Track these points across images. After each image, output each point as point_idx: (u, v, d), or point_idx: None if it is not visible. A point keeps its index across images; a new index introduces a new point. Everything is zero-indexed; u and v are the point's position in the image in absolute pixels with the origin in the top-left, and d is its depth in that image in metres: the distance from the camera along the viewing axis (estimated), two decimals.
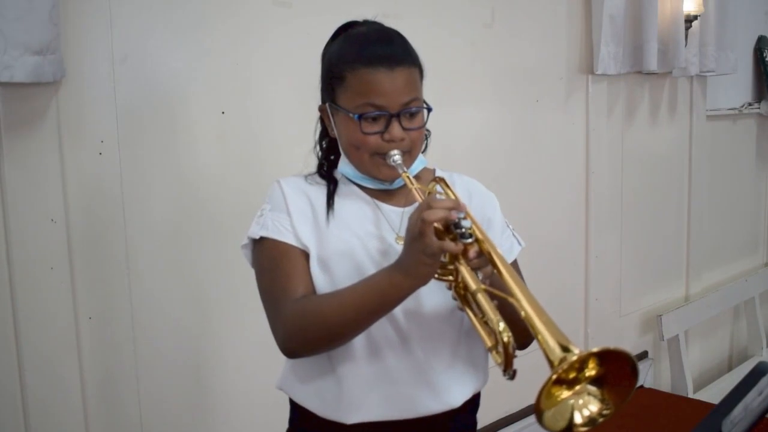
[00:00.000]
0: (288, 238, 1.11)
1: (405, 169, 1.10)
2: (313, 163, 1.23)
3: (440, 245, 0.94)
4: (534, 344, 0.91)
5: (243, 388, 1.83)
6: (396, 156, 1.09)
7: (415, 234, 0.95)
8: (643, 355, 3.13)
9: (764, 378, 1.00)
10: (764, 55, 3.62)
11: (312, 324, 1.05)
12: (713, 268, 3.53)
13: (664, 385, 3.21)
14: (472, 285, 0.94)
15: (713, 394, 3.17)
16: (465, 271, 0.95)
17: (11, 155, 1.45)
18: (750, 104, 3.66)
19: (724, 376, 3.50)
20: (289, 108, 1.84)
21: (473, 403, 1.21)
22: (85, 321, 1.57)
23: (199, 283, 1.75)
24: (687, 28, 2.89)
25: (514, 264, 1.22)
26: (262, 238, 1.12)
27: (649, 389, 3.03)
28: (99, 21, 1.56)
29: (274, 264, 1.11)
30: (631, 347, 3.08)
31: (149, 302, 1.67)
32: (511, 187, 2.43)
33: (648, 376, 3.11)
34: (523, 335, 0.92)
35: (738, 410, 0.96)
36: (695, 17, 2.91)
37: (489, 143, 2.39)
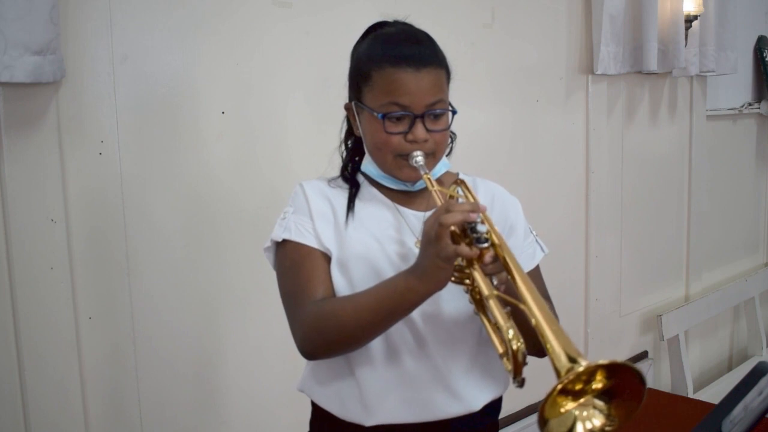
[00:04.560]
0: (310, 241, 1.11)
1: (426, 171, 1.09)
2: (337, 162, 1.23)
3: (455, 249, 0.93)
4: None
5: (243, 388, 1.83)
6: (419, 157, 1.09)
7: (431, 237, 0.94)
8: (643, 355, 3.12)
9: (764, 378, 1.00)
10: (764, 55, 3.62)
11: (329, 326, 1.05)
12: (713, 268, 3.53)
13: (664, 385, 3.21)
14: (485, 290, 0.93)
15: (713, 394, 3.17)
16: (479, 276, 0.94)
17: (11, 155, 1.45)
18: (750, 104, 3.66)
19: (724, 376, 3.50)
20: (289, 108, 1.84)
21: (493, 406, 1.19)
22: (85, 321, 1.57)
23: (199, 283, 1.75)
24: (687, 28, 2.89)
25: (536, 270, 1.21)
26: (284, 241, 1.13)
27: (649, 389, 2.99)
28: (99, 21, 1.56)
29: (296, 266, 1.11)
30: (631, 347, 3.08)
31: (149, 302, 1.67)
32: (511, 187, 2.40)
33: (648, 376, 3.11)
34: (539, 343, 0.91)
35: (738, 410, 0.96)
36: (695, 17, 2.90)
37: (489, 143, 2.39)
